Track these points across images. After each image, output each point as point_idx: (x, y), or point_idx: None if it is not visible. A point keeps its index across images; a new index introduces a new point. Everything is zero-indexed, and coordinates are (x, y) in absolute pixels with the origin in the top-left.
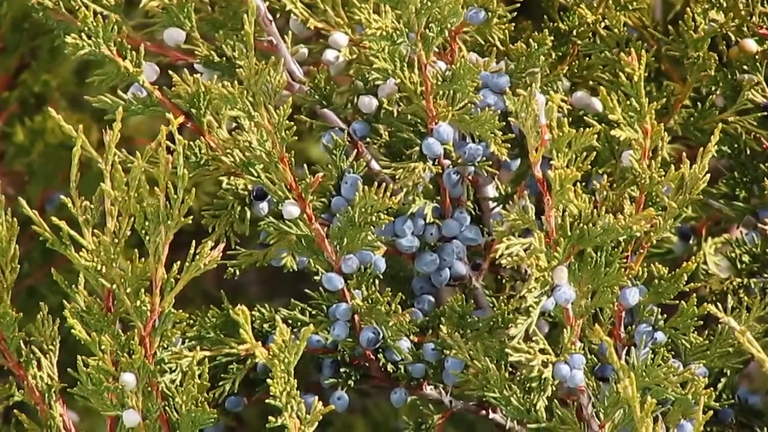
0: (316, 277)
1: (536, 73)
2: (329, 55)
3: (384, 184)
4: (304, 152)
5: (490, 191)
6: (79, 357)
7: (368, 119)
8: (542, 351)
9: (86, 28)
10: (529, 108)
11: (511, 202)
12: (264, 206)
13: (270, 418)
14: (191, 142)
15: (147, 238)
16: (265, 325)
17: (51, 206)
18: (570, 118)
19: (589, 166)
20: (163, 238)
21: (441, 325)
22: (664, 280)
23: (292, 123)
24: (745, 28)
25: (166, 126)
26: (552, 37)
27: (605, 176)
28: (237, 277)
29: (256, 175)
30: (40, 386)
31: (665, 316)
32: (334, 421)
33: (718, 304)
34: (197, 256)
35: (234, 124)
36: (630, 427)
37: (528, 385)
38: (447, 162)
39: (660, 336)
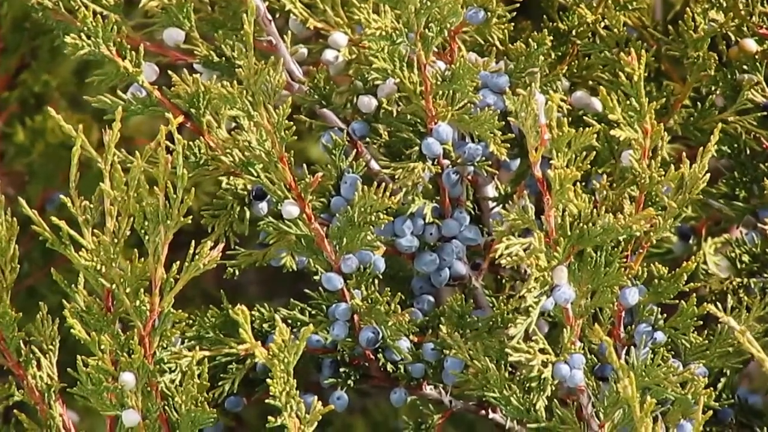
0: (315, 277)
1: (536, 73)
2: (329, 54)
3: (383, 183)
4: (304, 152)
5: (490, 191)
6: (78, 357)
7: (367, 119)
8: (542, 351)
9: (86, 28)
10: (528, 108)
11: (510, 202)
12: (263, 206)
13: (269, 417)
14: (191, 142)
15: (146, 237)
16: (265, 325)
17: (51, 206)
18: (569, 118)
19: (589, 166)
20: (163, 238)
21: (441, 325)
22: (664, 279)
23: (292, 123)
24: (745, 28)
25: (165, 126)
26: (551, 37)
27: (605, 176)
28: (236, 277)
29: (255, 174)
30: (40, 386)
31: (665, 315)
32: (333, 420)
33: (718, 303)
34: (197, 256)
35: (233, 124)
36: (629, 426)
37: (528, 385)
38: (446, 162)
39: (660, 336)
